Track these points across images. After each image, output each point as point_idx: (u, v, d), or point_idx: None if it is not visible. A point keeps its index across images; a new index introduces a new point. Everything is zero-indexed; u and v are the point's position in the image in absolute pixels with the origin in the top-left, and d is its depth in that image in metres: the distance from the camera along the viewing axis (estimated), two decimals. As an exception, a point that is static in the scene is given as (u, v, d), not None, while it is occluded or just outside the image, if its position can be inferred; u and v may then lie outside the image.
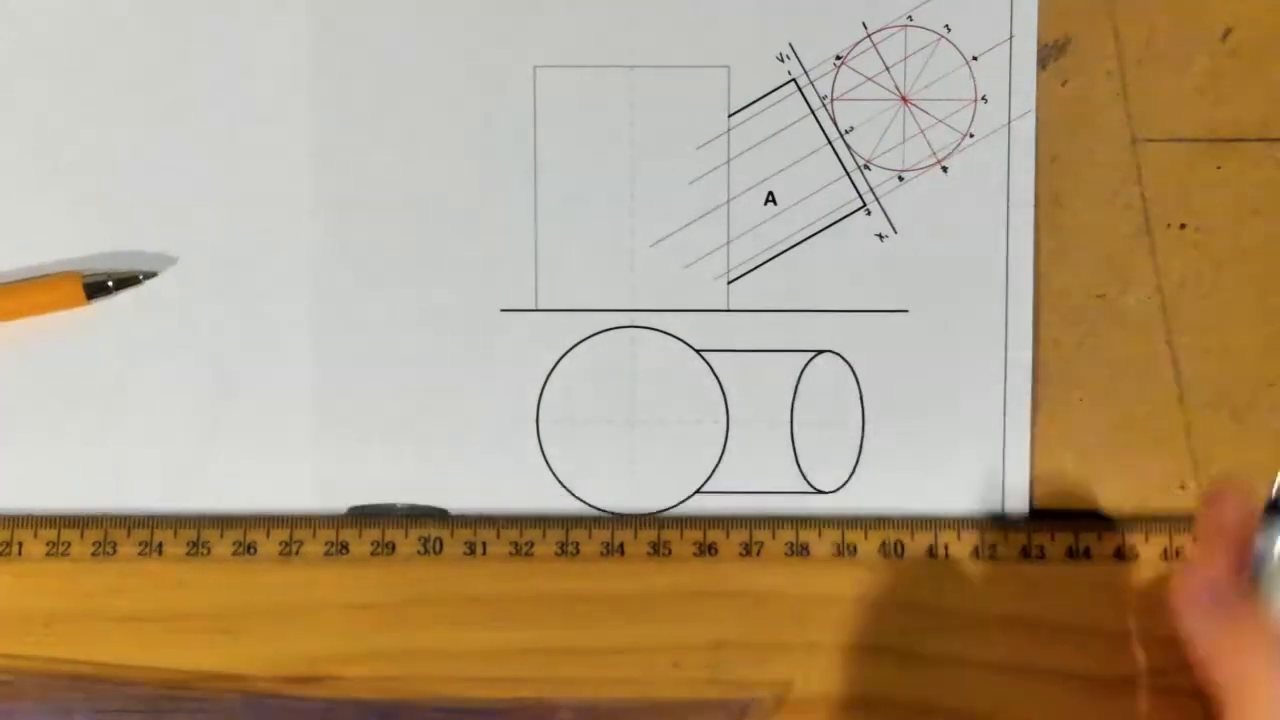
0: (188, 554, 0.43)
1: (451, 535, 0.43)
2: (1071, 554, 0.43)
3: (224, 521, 0.43)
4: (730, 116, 0.44)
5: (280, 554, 0.43)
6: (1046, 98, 0.44)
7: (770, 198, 0.44)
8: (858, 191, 0.44)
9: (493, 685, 0.43)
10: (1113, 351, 0.44)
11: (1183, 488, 0.44)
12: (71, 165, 0.44)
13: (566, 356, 0.44)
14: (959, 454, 0.44)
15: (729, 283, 0.44)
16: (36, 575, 0.43)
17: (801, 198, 0.44)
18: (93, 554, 0.43)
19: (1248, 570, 0.38)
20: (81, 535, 0.43)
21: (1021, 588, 0.43)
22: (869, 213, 0.44)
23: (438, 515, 0.44)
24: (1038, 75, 0.44)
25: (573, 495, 0.44)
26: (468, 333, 0.44)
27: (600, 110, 0.44)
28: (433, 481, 0.44)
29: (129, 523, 0.43)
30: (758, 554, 0.43)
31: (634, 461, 0.44)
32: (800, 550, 0.43)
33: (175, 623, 0.43)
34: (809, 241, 0.44)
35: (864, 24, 0.44)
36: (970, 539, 0.43)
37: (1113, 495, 0.44)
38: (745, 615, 0.43)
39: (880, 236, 0.44)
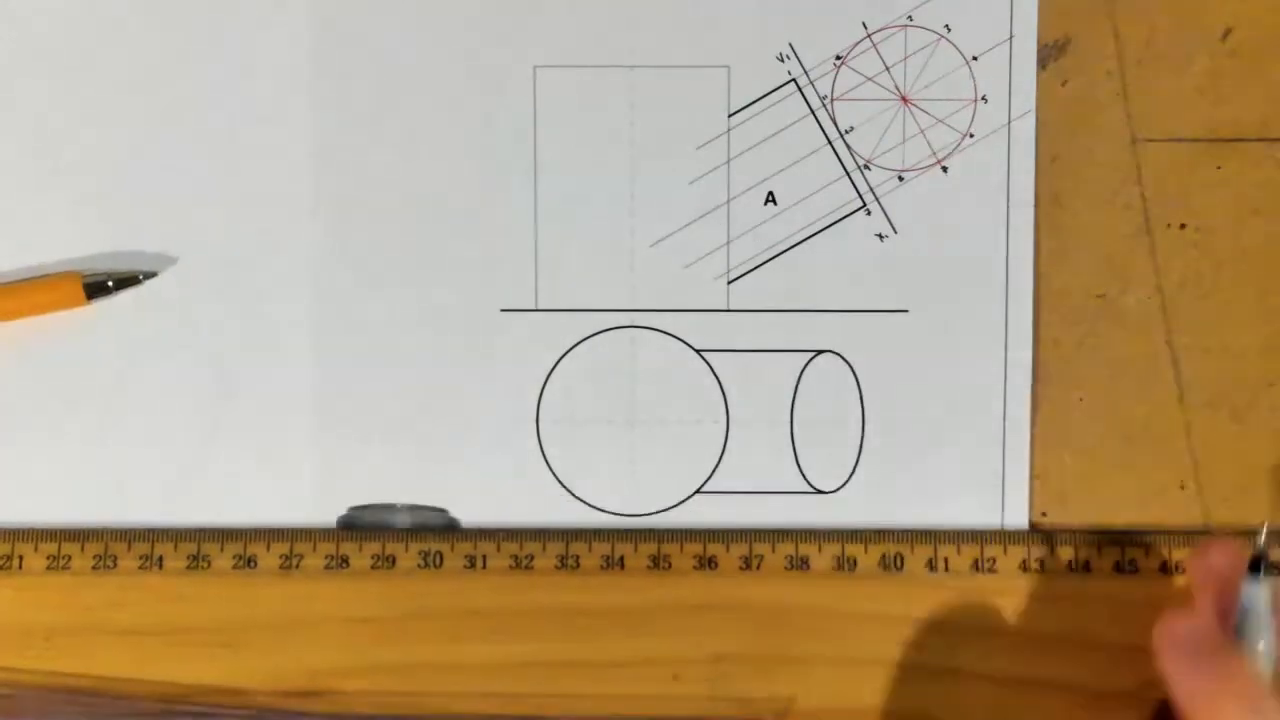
0: (188, 567, 0.43)
1: (452, 549, 0.43)
2: (1071, 567, 0.43)
3: (224, 535, 0.43)
4: (730, 116, 0.44)
5: (280, 567, 0.43)
6: (1046, 98, 0.44)
7: (770, 198, 0.44)
8: (858, 191, 0.44)
9: (493, 699, 0.43)
10: (1113, 351, 0.44)
11: (1182, 488, 0.44)
12: (71, 165, 0.44)
13: (566, 356, 0.44)
14: (959, 454, 0.44)
15: (729, 283, 0.44)
16: (37, 589, 0.43)
17: (801, 198, 0.44)
18: (93, 567, 0.43)
19: (1231, 621, 0.38)
20: (82, 549, 0.43)
21: (1021, 601, 0.43)
22: (869, 213, 0.44)
23: (438, 515, 0.44)
24: (1038, 75, 0.44)
25: (573, 495, 0.44)
26: (468, 333, 0.44)
27: (600, 110, 0.44)
28: (433, 481, 0.44)
29: (129, 536, 0.43)
30: (758, 567, 0.43)
31: (634, 462, 0.44)
32: (800, 564, 0.43)
33: (175, 636, 0.43)
34: (809, 241, 0.44)
35: (864, 24, 0.44)
36: (970, 552, 0.43)
37: (1112, 495, 0.44)
38: (745, 629, 0.43)
39: (880, 236, 0.44)
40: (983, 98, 0.44)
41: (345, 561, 0.43)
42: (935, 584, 0.43)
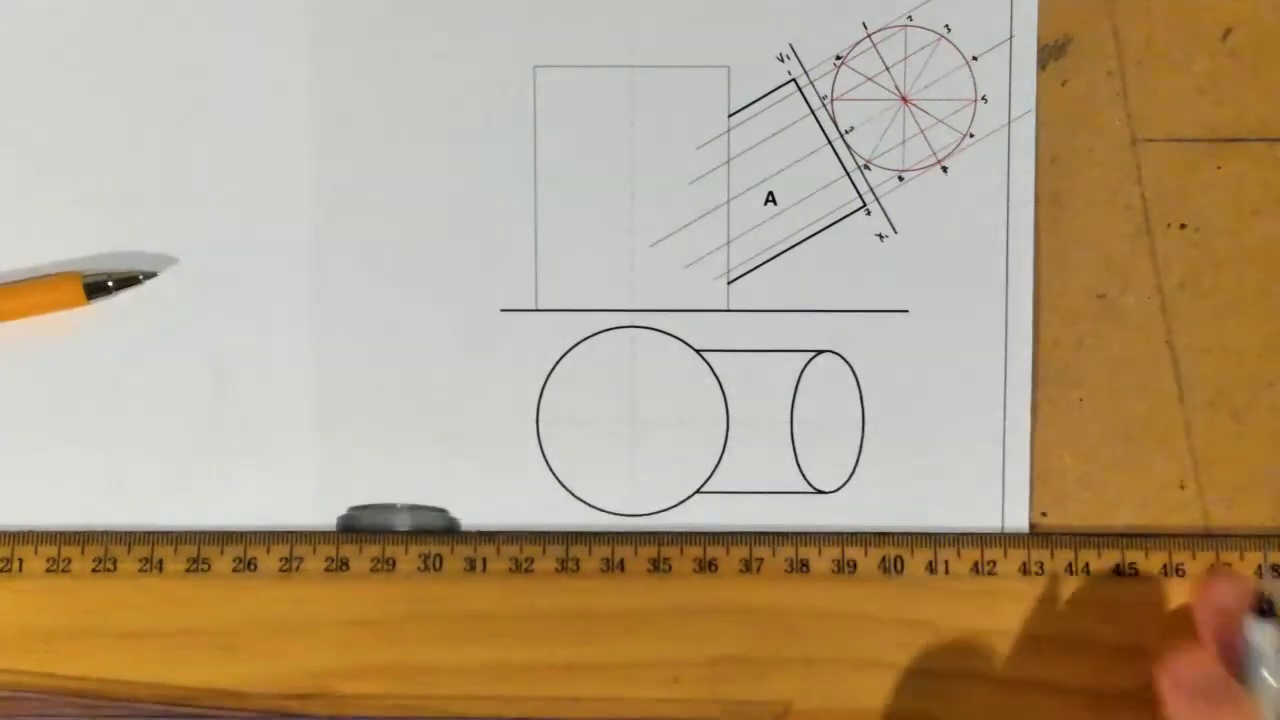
0: (188, 570, 0.43)
1: (451, 552, 0.43)
2: (1071, 570, 0.43)
3: (224, 538, 0.43)
4: (730, 116, 0.44)
5: (280, 570, 0.43)
6: (1046, 98, 0.44)
7: (770, 198, 0.44)
8: (858, 191, 0.44)
9: (493, 702, 0.43)
10: (1113, 351, 0.44)
11: (1182, 488, 0.44)
12: (71, 165, 0.44)
13: (566, 356, 0.44)
14: (959, 454, 0.44)
15: (729, 283, 0.44)
16: (37, 592, 0.43)
17: (801, 198, 0.44)
18: (93, 570, 0.43)
19: (1235, 661, 0.38)
20: (82, 551, 0.43)
21: (1021, 603, 0.43)
22: (869, 213, 0.44)
23: (438, 515, 0.44)
24: (1038, 75, 0.44)
25: (573, 495, 0.44)
26: (468, 333, 0.44)
27: (600, 110, 0.44)
28: (433, 481, 0.44)
29: (129, 539, 0.43)
30: (758, 570, 0.43)
31: (634, 461, 0.44)
32: (800, 567, 0.43)
33: (176, 639, 0.43)
34: (809, 241, 0.44)
35: (864, 24, 0.44)
36: (970, 555, 0.43)
37: (1112, 495, 0.44)
38: (745, 631, 0.43)
39: (880, 236, 0.44)
40: (983, 98, 0.44)
41: (345, 564, 0.43)
42: (935, 586, 0.43)
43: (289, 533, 0.43)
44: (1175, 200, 0.44)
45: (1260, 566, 0.42)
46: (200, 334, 0.44)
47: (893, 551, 0.43)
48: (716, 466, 0.44)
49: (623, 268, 0.44)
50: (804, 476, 0.44)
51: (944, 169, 0.44)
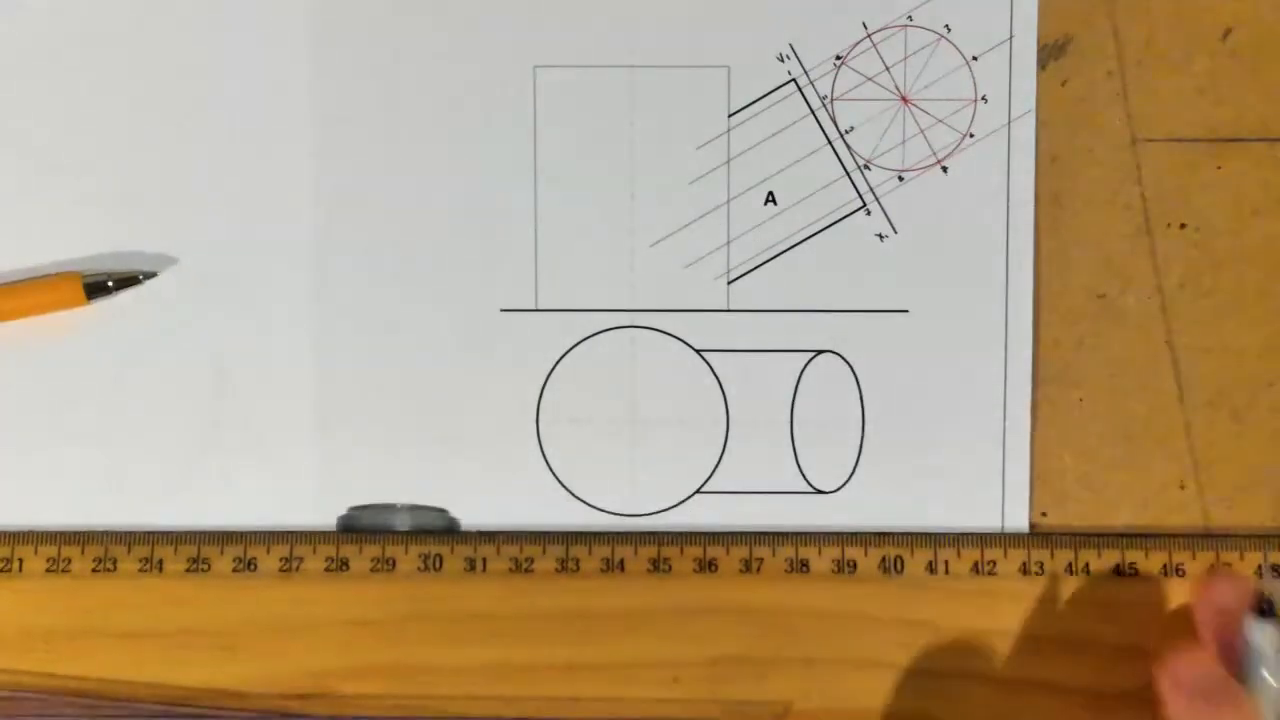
0: (188, 570, 0.43)
1: (451, 552, 0.43)
2: (1071, 570, 0.43)
3: (224, 538, 0.43)
4: (730, 116, 0.44)
5: (280, 570, 0.43)
6: (1046, 98, 0.44)
7: (770, 198, 0.44)
8: (858, 191, 0.44)
9: (493, 702, 0.43)
10: (1113, 351, 0.44)
11: (1182, 488, 0.44)
12: (71, 165, 0.44)
13: (566, 356, 0.44)
14: (959, 454, 0.44)
15: (729, 283, 0.44)
16: (37, 592, 0.43)
17: (801, 198, 0.44)
18: (93, 570, 0.43)
19: (1235, 661, 0.38)
20: (82, 551, 0.43)
21: (1021, 603, 0.43)
22: (869, 213, 0.44)
23: (438, 515, 0.44)
24: (1038, 75, 0.44)
25: (573, 495, 0.44)
26: (468, 333, 0.44)
27: (600, 110, 0.44)
28: (433, 481, 0.44)
29: (129, 539, 0.43)
30: (758, 570, 0.43)
31: (634, 461, 0.44)
32: (800, 567, 0.43)
33: (176, 639, 0.43)
34: (809, 241, 0.44)
35: (864, 24, 0.44)
36: (970, 555, 0.43)
37: (1112, 495, 0.44)
38: (745, 631, 0.43)
39: (880, 236, 0.44)
40: (983, 98, 0.44)
41: (345, 564, 0.43)
42: (935, 586, 0.43)
43: (289, 533, 0.43)
44: (1175, 200, 0.44)
45: (1260, 566, 0.42)
46: (200, 334, 0.44)
47: (893, 551, 0.43)
48: (716, 466, 0.44)
49: (623, 268, 0.44)
50: (804, 476, 0.44)
51: (944, 169, 0.44)
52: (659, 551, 0.43)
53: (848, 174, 0.44)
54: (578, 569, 0.43)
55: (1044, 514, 0.44)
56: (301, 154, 0.44)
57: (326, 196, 0.44)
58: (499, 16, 0.43)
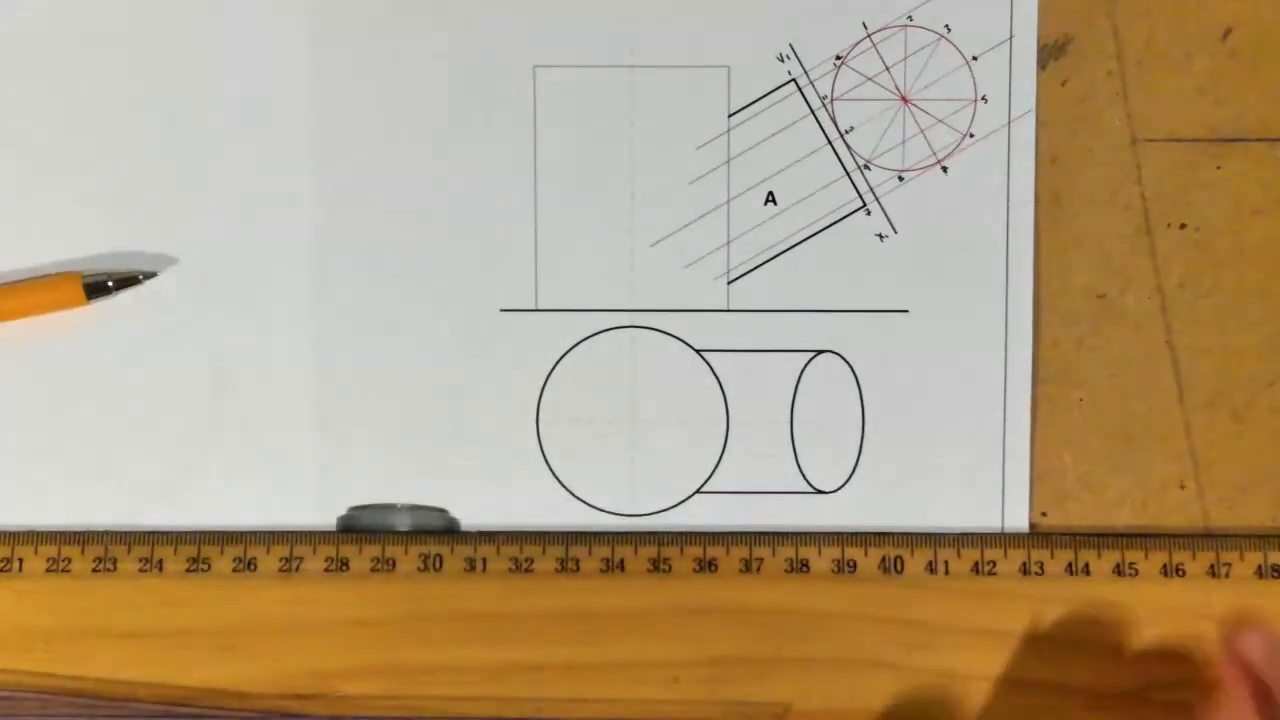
0: (188, 570, 0.43)
1: (451, 552, 0.43)
2: (1071, 570, 0.43)
3: (224, 538, 0.43)
4: (730, 116, 0.44)
5: (280, 570, 0.43)
6: (1046, 98, 0.44)
7: (770, 198, 0.44)
8: (858, 191, 0.44)
9: (493, 702, 0.43)
10: (1113, 351, 0.44)
11: (1182, 488, 0.44)
12: (71, 165, 0.44)
13: (566, 356, 0.44)
14: (959, 454, 0.44)
15: (729, 283, 0.44)
16: (37, 592, 0.43)
17: (801, 198, 0.44)
18: (93, 570, 0.43)
19: (1271, 704, 0.38)
20: (82, 551, 0.43)
21: (1021, 603, 0.43)
22: (869, 213, 0.44)
23: (438, 515, 0.44)
24: (1038, 75, 0.44)
25: (573, 495, 0.44)
26: (468, 333, 0.44)
27: (600, 110, 0.44)
28: (433, 481, 0.44)
29: (129, 539, 0.43)
30: (758, 570, 0.43)
31: (634, 461, 0.44)
32: (800, 567, 0.43)
33: (176, 639, 0.43)
34: (809, 241, 0.44)
35: (864, 24, 0.44)
36: (970, 555, 0.43)
37: (1112, 495, 0.44)
38: (745, 631, 0.43)
39: (880, 236, 0.44)
40: (983, 98, 0.44)
41: (345, 564, 0.43)
42: (935, 587, 0.43)
43: (289, 533, 0.43)
44: (1175, 200, 0.44)
45: None
46: (200, 334, 0.44)
47: (893, 551, 0.43)
48: (716, 466, 0.44)
49: (623, 268, 0.44)
50: (804, 476, 0.44)
51: (944, 169, 0.44)
52: (659, 551, 0.43)
53: (848, 174, 0.44)
54: (578, 569, 0.43)
55: (1044, 514, 0.44)
56: (301, 154, 0.44)
57: (326, 196, 0.44)
58: (499, 16, 0.43)
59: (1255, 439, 0.44)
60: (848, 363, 0.44)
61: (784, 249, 0.44)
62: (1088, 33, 0.44)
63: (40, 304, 0.43)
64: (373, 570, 0.43)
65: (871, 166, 0.44)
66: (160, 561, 0.43)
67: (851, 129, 0.44)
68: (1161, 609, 0.43)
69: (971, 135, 0.44)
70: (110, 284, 0.43)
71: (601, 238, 0.44)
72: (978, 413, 0.44)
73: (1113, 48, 0.44)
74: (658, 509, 0.44)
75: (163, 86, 0.43)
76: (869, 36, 0.44)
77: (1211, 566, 0.43)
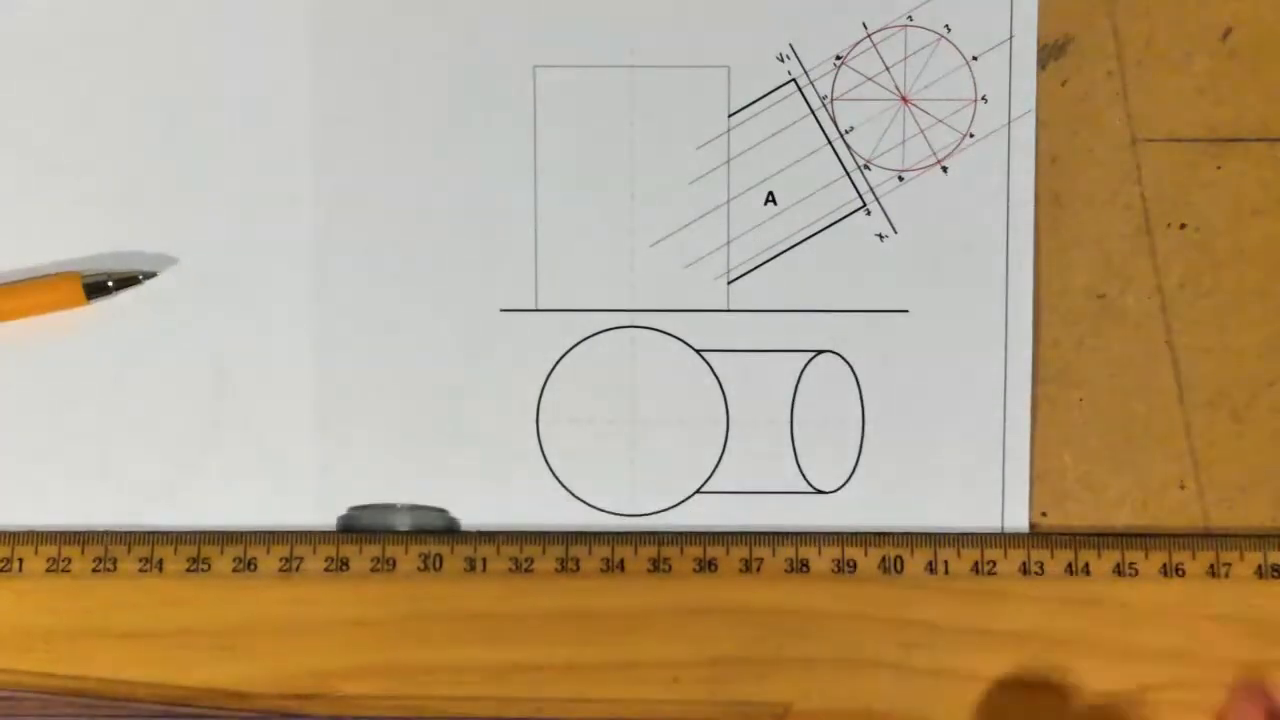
0: (188, 570, 0.43)
1: (451, 552, 0.43)
2: (1071, 570, 0.43)
3: (224, 538, 0.43)
4: (730, 116, 0.44)
5: (280, 570, 0.43)
6: (1046, 98, 0.44)
7: (770, 198, 0.44)
8: (858, 191, 0.44)
9: (493, 702, 0.43)
10: (1113, 351, 0.44)
11: (1182, 488, 0.44)
12: (71, 165, 0.44)
13: (566, 356, 0.44)
14: (959, 454, 0.44)
15: (729, 283, 0.44)
16: (37, 592, 0.43)
17: (801, 198, 0.44)
18: (93, 570, 0.43)
19: None
20: (82, 551, 0.43)
21: (1021, 603, 0.43)
22: (869, 213, 0.44)
23: (438, 515, 0.44)
24: (1038, 75, 0.44)
25: (573, 495, 0.44)
26: (468, 333, 0.44)
27: (600, 110, 0.44)
28: (433, 481, 0.44)
29: (129, 539, 0.43)
30: (757, 570, 0.43)
31: (634, 461, 0.44)
32: (800, 567, 0.43)
33: (176, 639, 0.43)
34: (809, 241, 0.44)
35: (864, 24, 0.44)
36: (970, 555, 0.43)
37: (1112, 495, 0.44)
38: (745, 631, 0.43)
39: (880, 236, 0.44)
40: (983, 98, 0.44)
41: (345, 564, 0.43)
42: (935, 587, 0.43)
43: (289, 533, 0.43)
44: (1175, 200, 0.44)
45: None
46: (200, 334, 0.44)
47: (893, 551, 0.43)
48: (716, 466, 0.44)
49: (623, 268, 0.44)
50: (804, 476, 0.44)
51: (944, 169, 0.44)
52: (659, 551, 0.43)
53: (848, 174, 0.44)
54: (578, 569, 0.43)
55: (1044, 514, 0.44)
56: (301, 154, 0.44)
57: (326, 196, 0.44)
58: (499, 16, 0.44)
59: (1255, 439, 0.44)
60: (848, 363, 0.44)
61: (784, 249, 0.44)
62: (1088, 33, 0.44)
63: (40, 304, 0.43)
64: (373, 570, 0.43)
65: (871, 166, 0.44)
66: (160, 561, 0.43)
67: (851, 129, 0.44)
68: (1161, 609, 0.43)
69: (971, 135, 0.44)
70: (110, 284, 0.43)
71: (601, 238, 0.44)
72: (978, 413, 0.44)
73: (1113, 48, 0.44)
74: (658, 509, 0.44)
75: (163, 86, 0.43)
76: (869, 36, 0.44)
77: (1211, 566, 0.43)
